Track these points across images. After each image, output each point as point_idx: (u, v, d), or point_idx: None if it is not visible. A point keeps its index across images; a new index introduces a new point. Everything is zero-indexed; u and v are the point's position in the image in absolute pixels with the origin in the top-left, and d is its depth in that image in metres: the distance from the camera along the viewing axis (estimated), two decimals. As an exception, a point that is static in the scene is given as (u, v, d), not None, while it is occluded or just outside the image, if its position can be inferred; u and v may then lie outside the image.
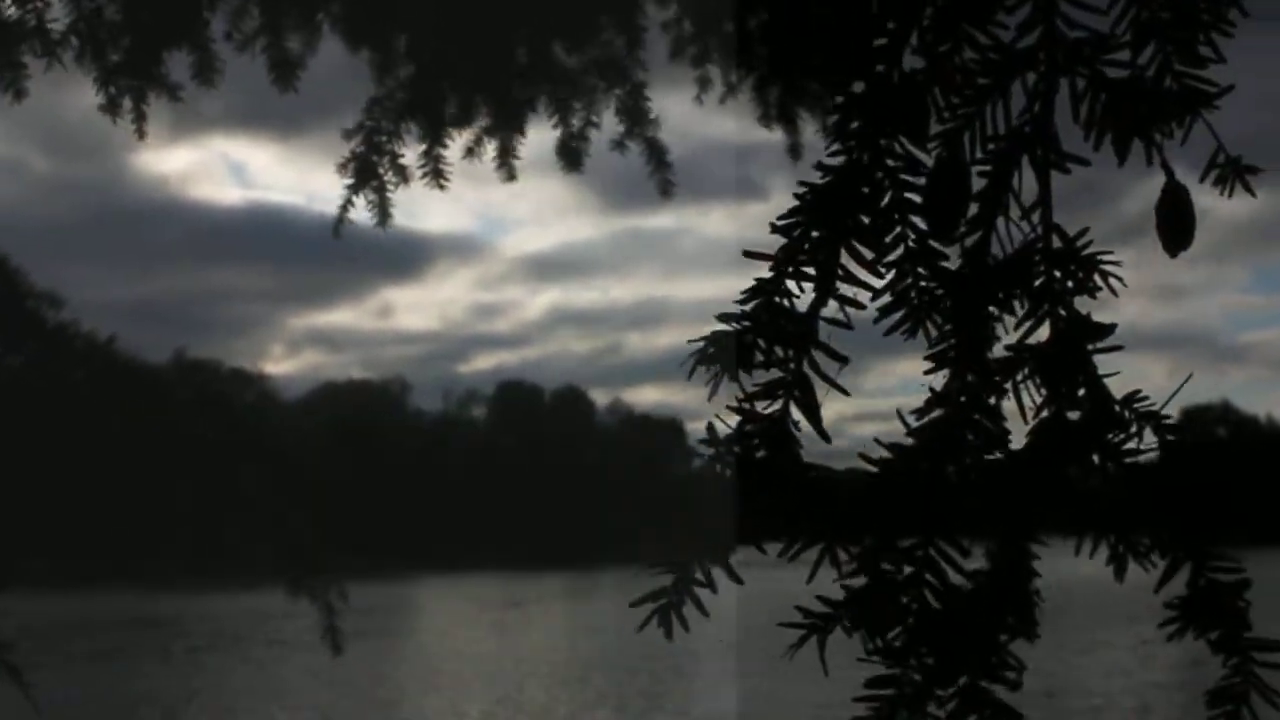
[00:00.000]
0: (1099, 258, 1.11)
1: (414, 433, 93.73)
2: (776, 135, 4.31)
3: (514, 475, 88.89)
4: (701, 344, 1.03)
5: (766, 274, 1.04)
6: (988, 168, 1.10)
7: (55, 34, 3.38)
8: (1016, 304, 1.10)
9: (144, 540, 3.60)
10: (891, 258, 1.07)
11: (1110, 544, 1.10)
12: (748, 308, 1.04)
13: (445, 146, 3.72)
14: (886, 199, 1.06)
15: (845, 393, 1.03)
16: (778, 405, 1.03)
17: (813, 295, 1.04)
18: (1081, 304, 1.13)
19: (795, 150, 4.32)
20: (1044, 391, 1.09)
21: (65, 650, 27.82)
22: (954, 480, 1.06)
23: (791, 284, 1.03)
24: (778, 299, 1.03)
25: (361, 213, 3.74)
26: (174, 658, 27.39)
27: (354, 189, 3.70)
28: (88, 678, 24.05)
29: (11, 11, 3.29)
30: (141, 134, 3.64)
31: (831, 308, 1.05)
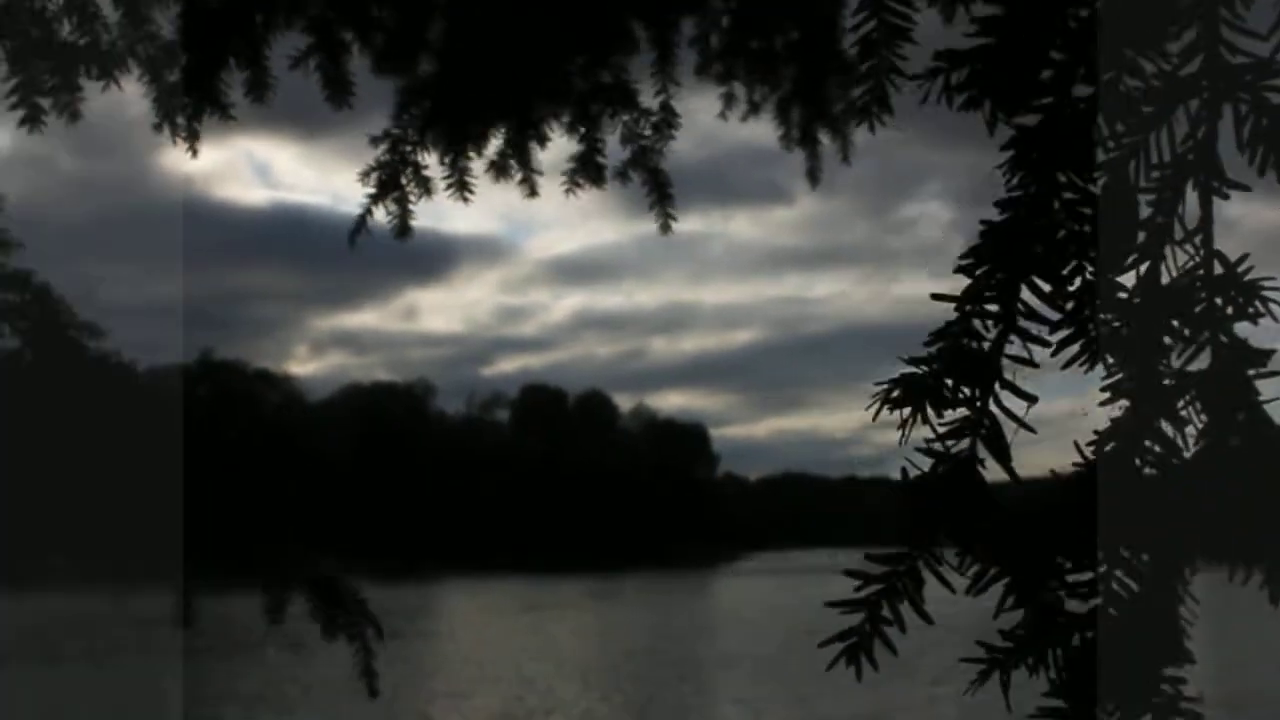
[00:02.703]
0: (1260, 283, 1.10)
1: (437, 435, 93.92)
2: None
3: (536, 479, 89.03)
4: (888, 386, 1.03)
5: (952, 313, 1.04)
6: (1153, 196, 1.09)
7: (113, 53, 3.39)
8: (1180, 331, 1.10)
9: (166, 542, 3.62)
10: (1069, 290, 1.07)
11: (1265, 571, 1.08)
12: (934, 350, 1.04)
13: (470, 158, 3.73)
14: (1062, 232, 1.06)
15: (1032, 430, 1.03)
16: (965, 445, 1.02)
17: (995, 333, 1.04)
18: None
19: (814, 175, 4.36)
20: (1205, 418, 1.09)
21: (83, 647, 27.94)
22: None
23: (977, 323, 1.03)
24: (965, 340, 1.03)
25: (381, 221, 3.74)
26: (189, 657, 27.46)
27: (376, 199, 3.69)
28: (104, 674, 24.15)
29: (70, 34, 3.31)
30: (195, 152, 3.66)
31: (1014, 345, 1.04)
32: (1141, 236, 1.09)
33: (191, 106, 3.65)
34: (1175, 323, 1.09)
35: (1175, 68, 1.10)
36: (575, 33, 3.82)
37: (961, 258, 1.04)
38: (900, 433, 1.00)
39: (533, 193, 3.97)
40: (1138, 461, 1.04)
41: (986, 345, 1.03)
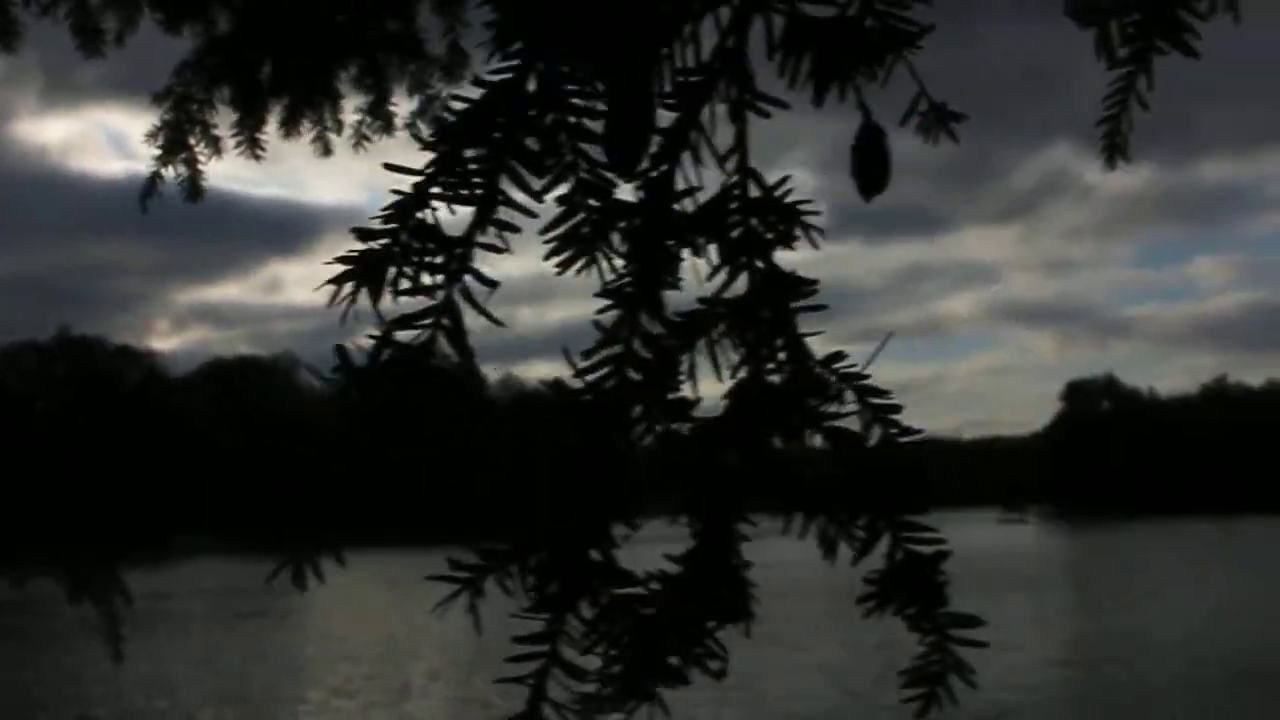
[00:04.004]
0: (800, 207, 1.04)
1: (303, 408, 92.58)
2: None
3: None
4: (343, 266, 0.95)
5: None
6: (674, 101, 1.03)
7: None
8: (711, 252, 1.04)
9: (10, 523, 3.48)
10: (561, 190, 1.01)
11: (820, 524, 1.03)
12: (390, 226, 0.95)
13: (262, 118, 3.56)
14: (549, 118, 0.98)
15: (499, 323, 0.97)
16: (424, 335, 0.96)
17: (470, 219, 0.97)
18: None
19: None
20: (741, 350, 1.02)
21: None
22: (642, 447, 1.00)
23: (441, 206, 0.95)
24: (421, 216, 0.95)
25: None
26: (35, 642, 26.73)
27: (163, 160, 3.50)
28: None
29: None
30: None
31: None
32: (658, 144, 1.02)
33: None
34: (702, 242, 1.02)
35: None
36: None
37: (431, 134, 0.97)
38: (340, 316, 0.93)
39: (327, 151, 3.83)
40: (636, 375, 0.98)
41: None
